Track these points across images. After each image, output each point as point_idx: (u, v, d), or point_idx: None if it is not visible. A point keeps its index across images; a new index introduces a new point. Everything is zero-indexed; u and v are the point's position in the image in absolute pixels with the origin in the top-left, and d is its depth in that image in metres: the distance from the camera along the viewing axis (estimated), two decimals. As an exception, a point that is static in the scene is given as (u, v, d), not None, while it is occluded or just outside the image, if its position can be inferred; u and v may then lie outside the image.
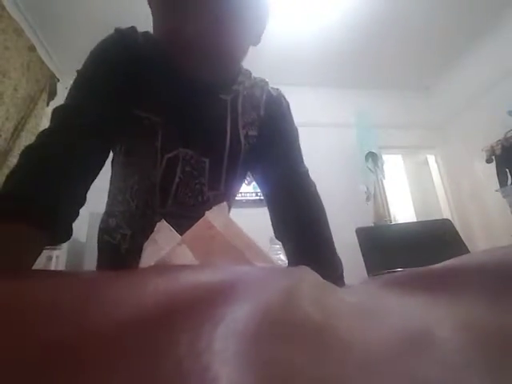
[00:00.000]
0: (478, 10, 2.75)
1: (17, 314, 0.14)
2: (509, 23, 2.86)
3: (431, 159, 3.78)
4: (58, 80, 2.80)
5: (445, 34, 3.02)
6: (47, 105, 2.71)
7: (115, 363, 0.11)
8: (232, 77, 0.61)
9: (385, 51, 3.19)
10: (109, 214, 0.67)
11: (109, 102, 0.50)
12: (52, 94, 2.75)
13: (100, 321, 0.13)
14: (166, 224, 0.37)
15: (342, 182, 3.21)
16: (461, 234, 1.46)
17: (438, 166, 3.72)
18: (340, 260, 0.63)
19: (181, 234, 0.41)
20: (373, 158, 3.20)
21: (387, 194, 3.36)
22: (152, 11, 0.48)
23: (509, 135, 2.67)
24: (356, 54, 3.19)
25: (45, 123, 2.66)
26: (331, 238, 0.65)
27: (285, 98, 0.70)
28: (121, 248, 0.63)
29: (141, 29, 0.57)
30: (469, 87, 3.29)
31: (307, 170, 0.69)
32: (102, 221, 0.68)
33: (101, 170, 0.52)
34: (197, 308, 0.14)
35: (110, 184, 0.68)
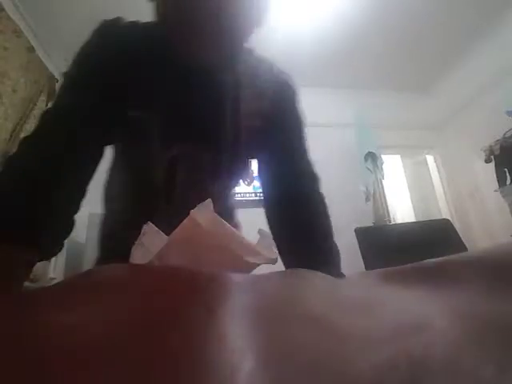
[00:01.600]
0: (477, 10, 2.75)
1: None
2: (508, 24, 2.86)
3: (430, 159, 3.78)
4: (57, 81, 2.79)
5: (444, 34, 3.02)
6: (46, 106, 2.71)
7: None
8: (234, 56, 0.55)
9: (383, 51, 3.19)
10: (107, 217, 0.65)
11: (95, 105, 0.48)
12: (51, 95, 2.75)
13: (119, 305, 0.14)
14: (153, 226, 0.36)
15: (341, 182, 3.21)
16: (460, 234, 1.46)
17: (437, 166, 3.72)
18: (337, 250, 0.59)
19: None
20: (372, 158, 3.20)
21: (386, 193, 3.36)
22: None
23: (507, 135, 2.68)
24: (355, 54, 3.19)
25: (44, 124, 2.66)
26: (327, 231, 0.60)
27: (293, 84, 0.64)
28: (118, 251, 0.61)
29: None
30: (468, 87, 3.29)
31: (311, 168, 0.64)
32: (101, 227, 0.65)
33: (94, 172, 0.50)
34: (198, 290, 0.14)
35: (107, 188, 0.65)
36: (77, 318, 0.15)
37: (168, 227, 0.44)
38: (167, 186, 0.55)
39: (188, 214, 0.55)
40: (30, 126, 2.40)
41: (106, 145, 0.54)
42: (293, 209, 0.59)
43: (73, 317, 0.15)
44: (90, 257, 2.12)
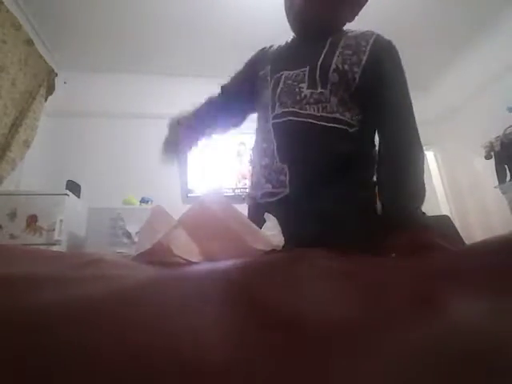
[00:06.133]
0: (477, 6, 2.74)
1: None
2: (508, 20, 2.84)
3: (430, 155, 3.78)
4: (57, 75, 2.77)
5: (443, 31, 3.00)
6: (45, 100, 2.69)
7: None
8: (325, 30, 0.82)
9: (385, 47, 3.17)
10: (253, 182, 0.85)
11: (240, 81, 0.96)
12: (50, 89, 2.73)
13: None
14: (162, 208, 0.37)
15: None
16: (459, 231, 1.47)
17: (437, 163, 3.72)
18: (420, 194, 0.73)
19: (286, 136, 0.74)
20: (372, 154, 3.19)
21: (386, 190, 3.35)
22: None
23: (508, 132, 2.67)
24: (356, 49, 3.17)
25: (43, 118, 2.64)
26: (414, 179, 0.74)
27: (395, 48, 0.82)
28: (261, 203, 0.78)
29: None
30: (468, 83, 3.28)
31: (412, 133, 0.77)
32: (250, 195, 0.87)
33: (241, 119, 0.99)
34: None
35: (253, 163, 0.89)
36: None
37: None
38: (272, 95, 0.80)
39: (286, 113, 0.76)
40: (29, 121, 2.38)
41: (249, 106, 0.93)
42: (385, 170, 0.80)
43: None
44: (89, 249, 2.12)
